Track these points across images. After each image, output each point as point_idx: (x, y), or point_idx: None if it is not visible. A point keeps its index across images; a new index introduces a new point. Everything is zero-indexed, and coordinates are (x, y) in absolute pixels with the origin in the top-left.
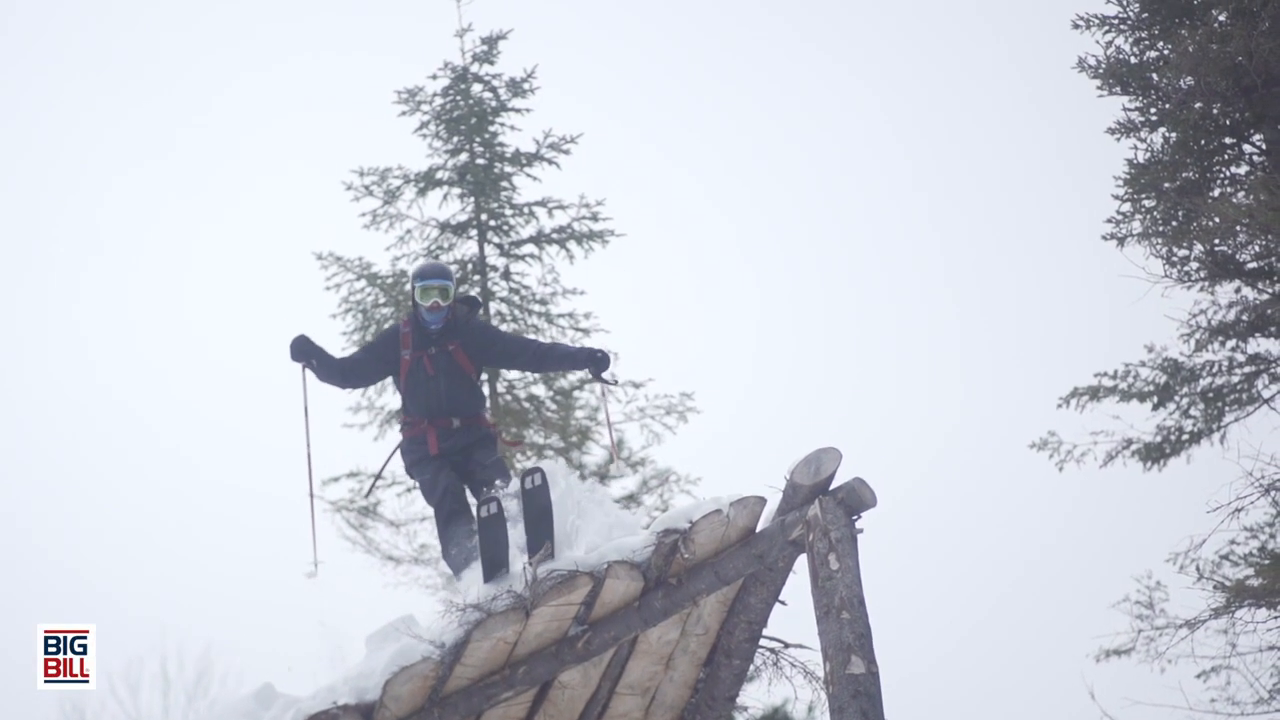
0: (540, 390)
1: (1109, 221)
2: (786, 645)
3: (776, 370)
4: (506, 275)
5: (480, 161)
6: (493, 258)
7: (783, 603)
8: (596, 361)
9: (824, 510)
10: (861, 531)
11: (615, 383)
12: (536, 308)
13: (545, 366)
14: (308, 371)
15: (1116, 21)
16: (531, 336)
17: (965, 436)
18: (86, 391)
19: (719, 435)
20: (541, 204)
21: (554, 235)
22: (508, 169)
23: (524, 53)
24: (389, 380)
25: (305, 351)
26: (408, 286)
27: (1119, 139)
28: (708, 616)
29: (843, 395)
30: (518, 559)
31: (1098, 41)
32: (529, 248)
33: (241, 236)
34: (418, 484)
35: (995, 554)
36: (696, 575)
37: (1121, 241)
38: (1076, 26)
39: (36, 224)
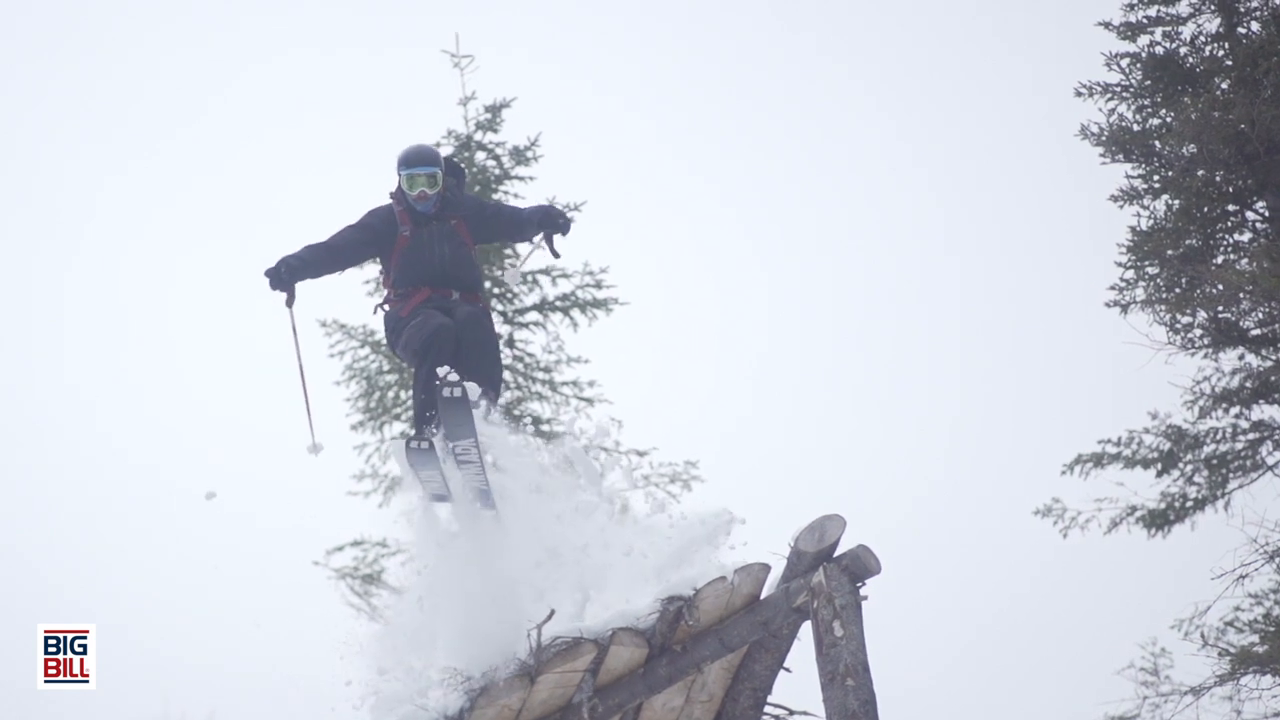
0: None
1: (1112, 288)
2: (791, 713)
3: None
4: (511, 343)
5: None
6: (497, 325)
7: (787, 669)
8: (555, 225)
9: (828, 577)
10: (866, 598)
11: (558, 255)
12: (540, 375)
13: (521, 236)
14: (293, 306)
15: (1119, 89)
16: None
17: (968, 503)
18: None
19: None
20: (545, 272)
21: (558, 303)
22: None
23: (528, 117)
24: (387, 438)
25: (289, 273)
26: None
27: (1122, 206)
28: (713, 683)
29: (844, 462)
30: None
31: (1100, 109)
32: (533, 315)
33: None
34: (400, 346)
35: (998, 621)
36: (701, 642)
37: (1125, 308)
38: (1079, 94)
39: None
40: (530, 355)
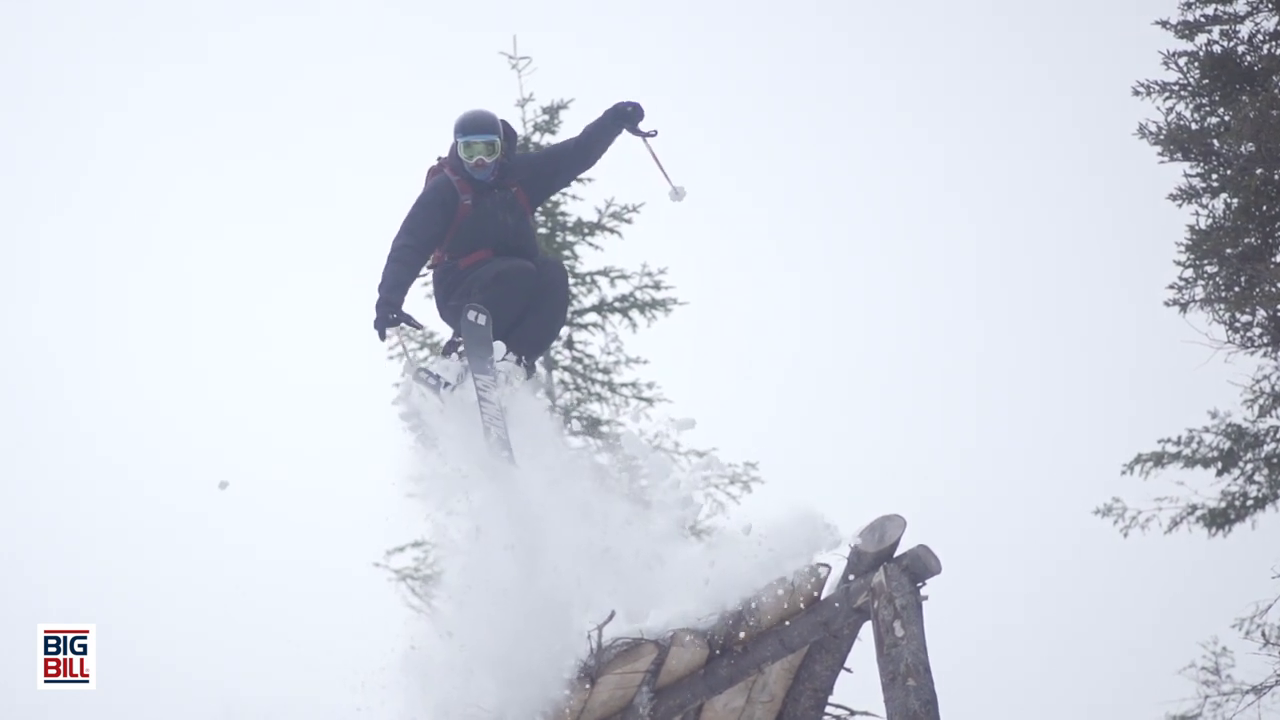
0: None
1: (1171, 288)
2: (853, 713)
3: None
4: (569, 344)
5: (542, 231)
6: None
7: (848, 670)
8: (626, 116)
9: (889, 577)
10: (926, 598)
11: (654, 134)
12: (599, 377)
13: (591, 155)
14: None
15: (1177, 88)
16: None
17: (1028, 503)
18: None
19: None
20: (604, 273)
21: (616, 304)
22: (569, 238)
23: (586, 118)
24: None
25: (394, 310)
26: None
27: (1180, 205)
28: (773, 684)
29: (903, 461)
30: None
31: (1158, 108)
32: (591, 317)
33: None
34: (459, 293)
35: (1059, 620)
36: (762, 643)
37: (1184, 307)
38: (1137, 93)
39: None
40: (589, 357)
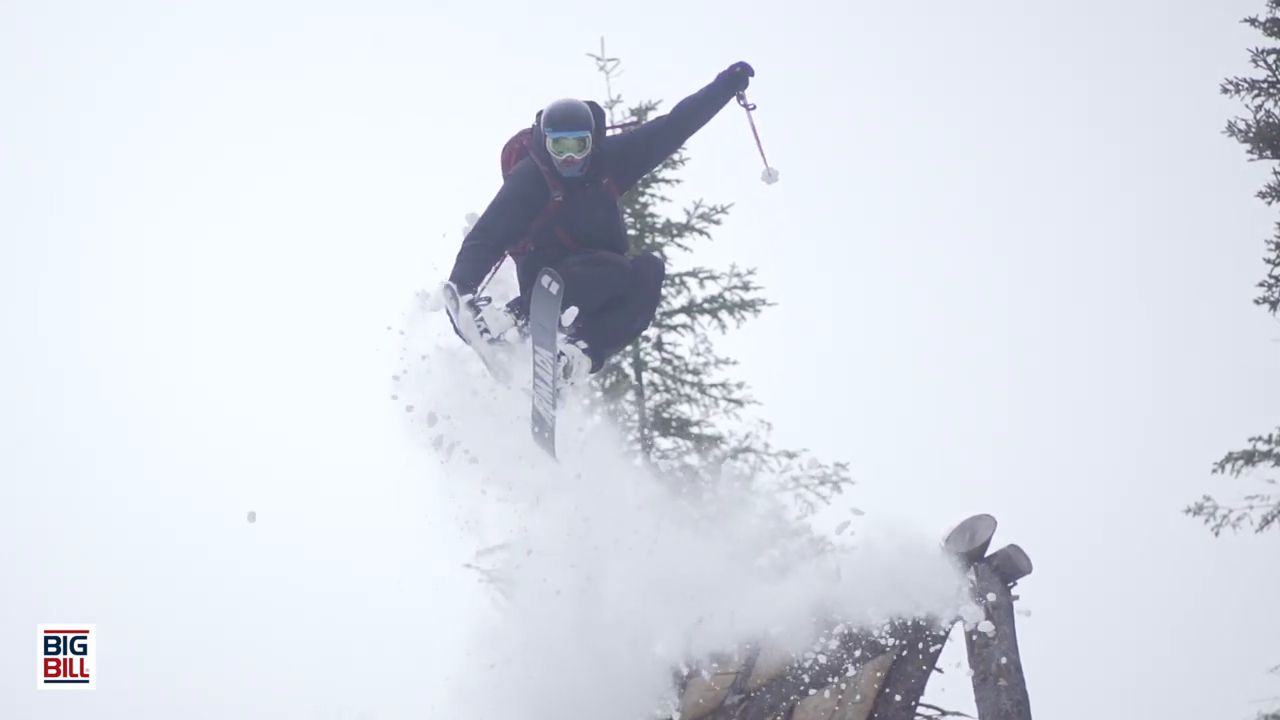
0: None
1: (1261, 285)
2: (944, 713)
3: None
4: (659, 346)
5: (631, 232)
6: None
7: (939, 670)
8: (737, 79)
9: (979, 577)
10: (1018, 598)
11: (754, 107)
12: (689, 378)
13: (689, 128)
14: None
15: (1265, 85)
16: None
17: (1118, 502)
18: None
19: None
20: (693, 274)
21: (705, 305)
22: (658, 239)
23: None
24: None
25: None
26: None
27: (1269, 202)
28: (865, 684)
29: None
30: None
31: (1247, 105)
32: (680, 318)
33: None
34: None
35: (1150, 620)
36: (852, 644)
37: (1274, 305)
38: (1225, 91)
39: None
40: (679, 358)
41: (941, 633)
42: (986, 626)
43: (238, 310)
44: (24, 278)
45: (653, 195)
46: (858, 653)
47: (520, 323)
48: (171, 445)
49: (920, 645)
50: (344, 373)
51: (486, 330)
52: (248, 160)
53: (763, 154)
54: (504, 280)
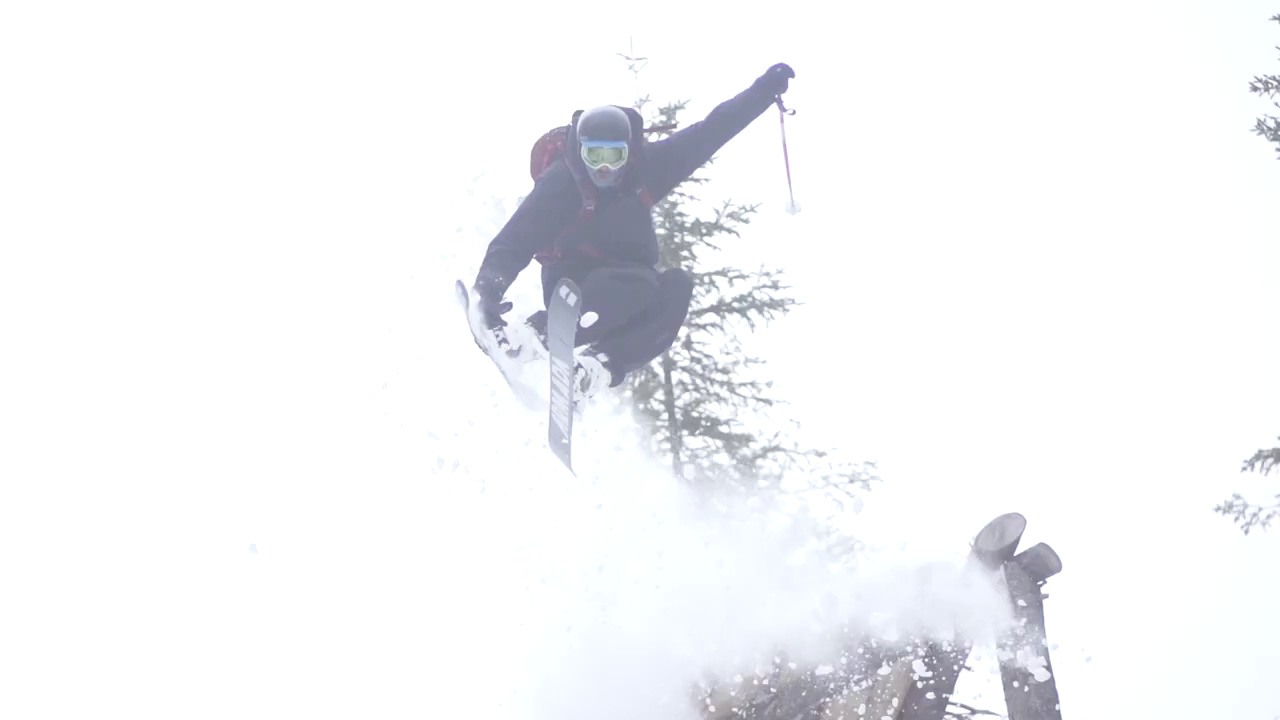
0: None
1: None
2: (974, 712)
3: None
4: (688, 344)
5: (660, 231)
6: None
7: (969, 669)
8: (777, 80)
9: (1009, 576)
10: (1047, 596)
11: (793, 112)
12: (718, 376)
13: (726, 133)
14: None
15: None
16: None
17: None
18: None
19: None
20: (722, 273)
21: (735, 304)
22: (688, 238)
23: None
24: None
25: (493, 313)
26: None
27: None
28: (894, 683)
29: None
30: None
31: (1276, 103)
32: (710, 317)
33: None
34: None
35: (1180, 618)
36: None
37: None
38: (1254, 89)
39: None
40: (708, 356)
41: (966, 650)
42: (1023, 663)
43: (237, 310)
44: (23, 278)
45: (682, 194)
46: (888, 650)
47: (541, 336)
48: (170, 445)
49: (948, 648)
50: (343, 372)
51: (505, 341)
52: (277, 158)
53: (790, 180)
54: (524, 297)
